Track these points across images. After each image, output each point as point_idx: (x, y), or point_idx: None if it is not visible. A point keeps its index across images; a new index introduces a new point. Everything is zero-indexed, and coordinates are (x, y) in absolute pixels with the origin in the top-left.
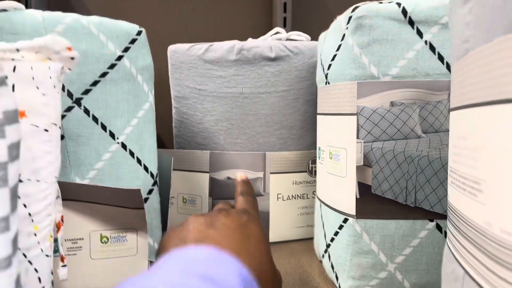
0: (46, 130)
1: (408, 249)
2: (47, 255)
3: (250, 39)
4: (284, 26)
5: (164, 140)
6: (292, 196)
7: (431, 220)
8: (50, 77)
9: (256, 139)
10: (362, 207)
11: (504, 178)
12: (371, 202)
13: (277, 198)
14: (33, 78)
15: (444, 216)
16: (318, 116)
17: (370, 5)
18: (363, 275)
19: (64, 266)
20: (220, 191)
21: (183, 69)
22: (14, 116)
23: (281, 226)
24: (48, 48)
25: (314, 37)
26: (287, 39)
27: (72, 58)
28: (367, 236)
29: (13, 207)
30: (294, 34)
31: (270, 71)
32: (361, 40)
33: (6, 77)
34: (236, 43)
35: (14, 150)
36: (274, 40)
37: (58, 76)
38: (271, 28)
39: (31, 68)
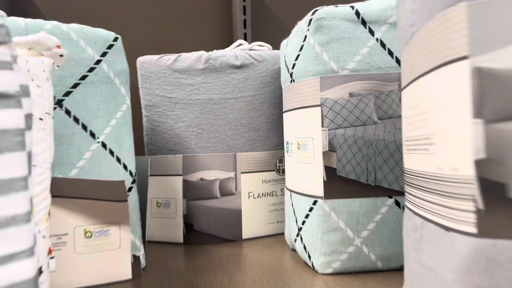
0: (41, 119)
1: (372, 224)
2: (44, 236)
3: (215, 50)
4: (245, 40)
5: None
6: (262, 194)
7: (390, 197)
8: (44, 71)
9: (226, 142)
10: (330, 188)
11: (450, 126)
12: (337, 184)
13: (248, 196)
14: (28, 71)
15: (401, 193)
16: (284, 114)
17: (328, 8)
18: (333, 251)
19: (52, 257)
20: (194, 192)
21: (152, 79)
22: (27, 91)
23: (253, 223)
24: (41, 43)
25: (274, 48)
26: (250, 50)
27: (61, 56)
28: (335, 215)
29: (29, 171)
30: (256, 45)
31: (237, 78)
32: (321, 39)
33: (17, 56)
34: (203, 53)
35: (29, 120)
36: (239, 50)
37: (50, 71)
38: (232, 43)
39: (26, 61)
